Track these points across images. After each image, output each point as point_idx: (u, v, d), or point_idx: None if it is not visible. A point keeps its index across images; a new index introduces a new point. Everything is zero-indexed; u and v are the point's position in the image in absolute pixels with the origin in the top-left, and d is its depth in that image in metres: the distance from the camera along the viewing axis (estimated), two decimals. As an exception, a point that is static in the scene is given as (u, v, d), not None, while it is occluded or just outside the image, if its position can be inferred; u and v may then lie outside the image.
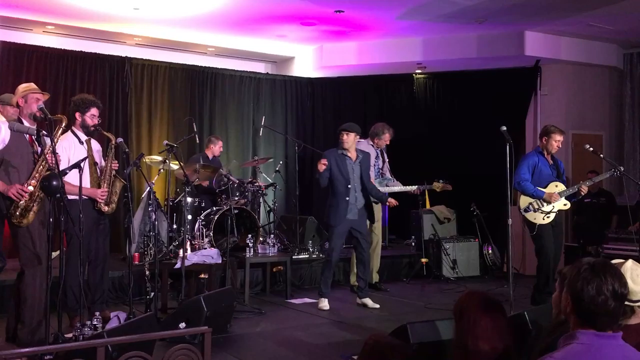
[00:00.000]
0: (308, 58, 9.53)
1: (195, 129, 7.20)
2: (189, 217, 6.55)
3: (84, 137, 4.85)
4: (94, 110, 4.84)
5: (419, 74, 9.62)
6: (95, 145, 4.96)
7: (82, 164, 4.34)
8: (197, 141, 7.59)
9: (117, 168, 4.92)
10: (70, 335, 4.26)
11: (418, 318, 5.00)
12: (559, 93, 8.84)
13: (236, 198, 6.85)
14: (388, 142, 6.74)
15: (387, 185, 6.76)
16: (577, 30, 8.17)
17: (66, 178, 4.35)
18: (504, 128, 5.04)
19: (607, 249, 7.37)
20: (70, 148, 4.73)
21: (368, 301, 5.95)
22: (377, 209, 6.58)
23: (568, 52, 8.59)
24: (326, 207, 5.96)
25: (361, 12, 7.53)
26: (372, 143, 6.70)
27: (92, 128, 4.83)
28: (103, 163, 4.94)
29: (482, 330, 2.05)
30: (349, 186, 5.78)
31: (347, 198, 5.77)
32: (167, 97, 8.67)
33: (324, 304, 5.85)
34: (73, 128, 4.85)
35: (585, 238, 7.97)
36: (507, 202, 5.05)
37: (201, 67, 9.03)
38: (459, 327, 2.13)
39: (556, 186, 5.69)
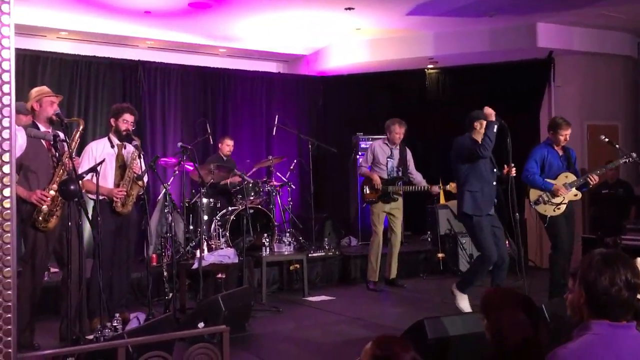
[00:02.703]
0: (319, 56, 9.55)
1: (209, 130, 7.26)
2: (205, 217, 6.61)
3: (116, 142, 5.04)
4: (126, 116, 5.05)
5: (431, 69, 9.59)
6: (129, 150, 5.08)
7: (99, 168, 4.42)
8: (212, 142, 7.65)
9: (138, 170, 5.01)
10: (91, 336, 4.34)
11: (435, 314, 5.00)
12: (573, 84, 8.77)
13: (251, 198, 6.89)
14: (400, 135, 6.63)
15: (398, 185, 6.75)
16: (589, 20, 8.10)
17: (93, 179, 4.50)
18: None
19: (625, 240, 7.30)
20: (97, 151, 4.93)
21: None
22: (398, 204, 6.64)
23: (581, 42, 8.52)
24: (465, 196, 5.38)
25: (371, 8, 7.53)
26: (386, 141, 6.72)
27: (124, 133, 5.00)
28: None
29: (514, 322, 2.10)
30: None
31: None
32: (180, 99, 8.74)
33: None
34: (110, 134, 5.11)
35: (603, 229, 7.90)
36: (510, 197, 5.05)
37: (213, 68, 9.10)
38: (488, 320, 2.17)
39: (566, 177, 5.66)
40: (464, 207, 5.33)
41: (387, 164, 6.64)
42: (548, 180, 5.63)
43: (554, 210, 5.61)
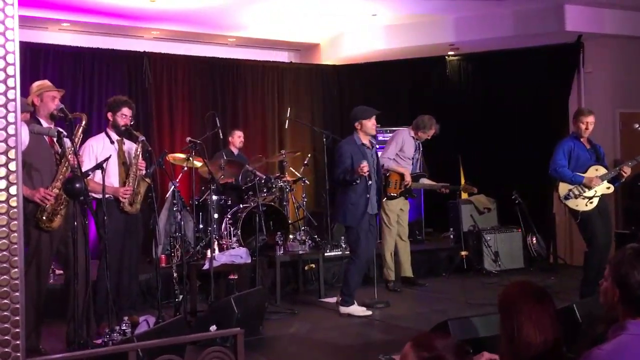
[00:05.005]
0: (333, 44, 9.54)
1: (218, 124, 7.29)
2: (216, 215, 6.64)
3: (115, 137, 5.04)
4: (125, 110, 5.05)
5: (452, 55, 9.53)
6: (129, 145, 5.10)
7: (104, 165, 4.46)
8: (221, 136, 7.68)
9: (143, 169, 5.04)
10: (99, 341, 4.40)
11: (459, 314, 4.99)
12: (604, 70, 8.66)
13: (264, 194, 6.91)
14: (430, 138, 6.76)
15: (420, 181, 6.78)
16: (621, 0, 8.00)
17: (95, 178, 4.55)
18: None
19: (662, 235, 7.22)
20: (98, 148, 4.94)
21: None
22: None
23: (612, 25, 8.41)
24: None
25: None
26: (413, 134, 6.72)
27: (123, 127, 5.01)
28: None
29: (531, 321, 2.05)
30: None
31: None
32: (187, 92, 8.78)
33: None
34: (107, 128, 5.11)
35: (637, 224, 7.83)
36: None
37: (222, 58, 9.12)
38: (505, 318, 2.13)
39: (596, 170, 5.61)
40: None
41: (413, 158, 6.70)
42: (577, 173, 5.59)
43: (586, 205, 5.57)
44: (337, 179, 5.66)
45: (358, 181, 5.53)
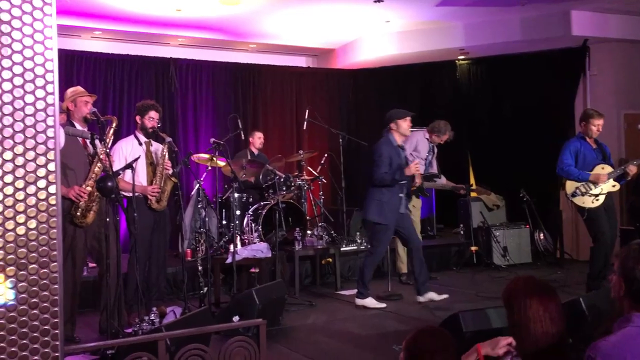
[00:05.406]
0: (349, 49, 9.53)
1: (240, 126, 7.32)
2: (238, 212, 6.68)
3: (143, 139, 5.10)
4: (152, 114, 5.10)
5: (462, 60, 9.49)
6: (156, 146, 5.15)
7: (134, 164, 4.51)
8: (243, 137, 7.71)
9: (170, 168, 5.08)
10: (129, 330, 4.44)
11: (469, 307, 4.98)
12: (609, 73, 8.57)
13: (283, 192, 6.93)
14: (442, 142, 6.77)
15: (434, 181, 6.76)
16: (625, 6, 7.90)
17: (125, 177, 4.61)
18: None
19: (665, 232, 7.13)
20: (127, 149, 5.00)
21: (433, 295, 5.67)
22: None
23: (617, 29, 8.31)
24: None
25: (401, 1, 7.48)
26: (428, 137, 6.74)
27: (151, 129, 5.06)
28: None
29: (535, 313, 2.03)
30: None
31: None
32: (211, 96, 8.83)
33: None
34: (135, 131, 5.18)
35: (641, 220, 7.73)
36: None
37: (244, 64, 9.16)
38: (510, 312, 2.12)
39: (602, 169, 5.57)
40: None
41: (426, 159, 6.71)
42: (583, 171, 5.55)
43: (592, 202, 5.52)
44: (382, 178, 5.42)
45: (404, 181, 5.45)
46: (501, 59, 9.02)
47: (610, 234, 5.58)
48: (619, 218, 6.79)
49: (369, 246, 6.02)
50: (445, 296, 5.57)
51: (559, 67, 8.60)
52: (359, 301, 5.63)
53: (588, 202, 5.53)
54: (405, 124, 5.60)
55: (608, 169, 5.58)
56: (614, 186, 5.61)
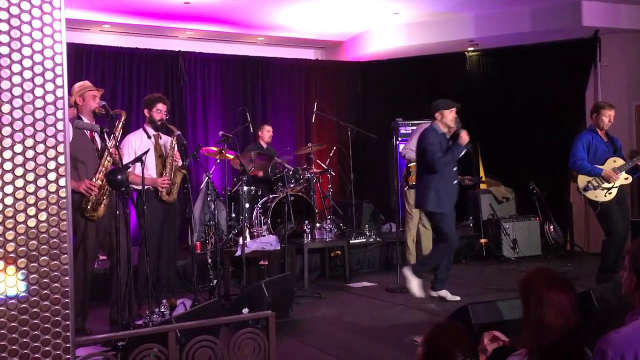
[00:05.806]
0: (357, 42, 9.50)
1: (249, 119, 7.32)
2: (247, 205, 6.69)
3: (152, 132, 5.13)
4: (159, 106, 5.12)
5: (471, 51, 9.43)
6: (165, 139, 5.17)
7: (144, 157, 4.52)
8: (252, 130, 7.72)
9: (179, 160, 5.10)
10: (140, 322, 4.47)
11: (479, 299, 4.97)
12: (620, 64, 8.48)
13: (292, 185, 6.94)
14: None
15: None
16: (637, -4, 7.83)
17: (134, 170, 4.63)
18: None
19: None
20: (137, 142, 5.03)
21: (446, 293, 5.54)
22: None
23: (629, 19, 8.22)
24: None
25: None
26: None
27: (159, 122, 5.07)
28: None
29: (553, 306, 2.03)
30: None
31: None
32: (220, 88, 8.84)
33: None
34: (144, 124, 5.20)
35: (653, 213, 7.69)
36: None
37: (252, 57, 9.14)
38: (527, 303, 2.11)
39: (614, 161, 5.53)
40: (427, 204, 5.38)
41: None
42: (596, 166, 5.52)
43: (605, 196, 5.50)
44: (442, 160, 5.29)
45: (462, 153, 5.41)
46: (511, 51, 8.95)
47: (623, 226, 5.56)
48: (630, 210, 6.75)
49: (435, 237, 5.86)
50: (457, 298, 5.44)
51: (569, 58, 8.53)
52: (434, 293, 5.45)
53: (601, 196, 5.50)
54: (450, 114, 5.49)
55: (620, 161, 5.54)
56: (626, 179, 5.58)
